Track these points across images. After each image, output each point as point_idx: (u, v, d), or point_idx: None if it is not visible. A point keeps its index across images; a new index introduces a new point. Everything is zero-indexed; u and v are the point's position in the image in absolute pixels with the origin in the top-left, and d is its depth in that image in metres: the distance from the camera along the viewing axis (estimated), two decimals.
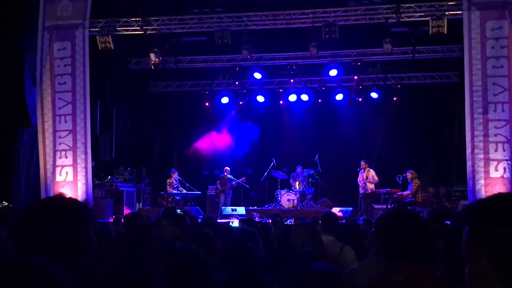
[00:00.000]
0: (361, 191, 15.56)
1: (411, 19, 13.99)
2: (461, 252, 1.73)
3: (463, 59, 12.39)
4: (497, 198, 1.73)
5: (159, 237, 4.65)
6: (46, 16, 13.73)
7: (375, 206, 15.19)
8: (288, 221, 10.01)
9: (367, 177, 15.40)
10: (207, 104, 19.00)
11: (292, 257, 3.79)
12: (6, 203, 12.72)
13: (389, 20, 14.03)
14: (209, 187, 17.32)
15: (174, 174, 16.38)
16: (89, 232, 2.07)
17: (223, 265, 2.96)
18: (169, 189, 16.12)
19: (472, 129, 12.05)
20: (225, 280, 2.82)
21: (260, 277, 2.94)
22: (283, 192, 16.38)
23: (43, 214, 2.02)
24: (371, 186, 15.38)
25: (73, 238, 2.01)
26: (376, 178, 15.42)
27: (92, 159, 14.12)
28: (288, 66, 17.61)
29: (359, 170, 15.67)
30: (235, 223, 11.03)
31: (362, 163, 15.58)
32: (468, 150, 12.09)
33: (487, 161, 11.90)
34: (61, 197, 2.10)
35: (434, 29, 13.43)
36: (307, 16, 14.31)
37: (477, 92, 12.04)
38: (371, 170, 15.52)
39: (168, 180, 16.33)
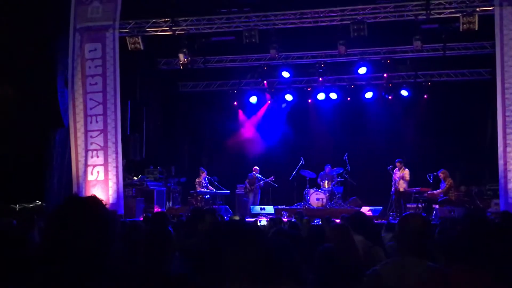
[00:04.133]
0: (393, 188, 15.31)
1: (441, 15, 13.81)
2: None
3: (495, 55, 12.19)
4: None
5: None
6: (77, 17, 13.98)
7: (407, 205, 14.95)
8: (315, 221, 9.91)
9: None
10: (235, 103, 19.06)
11: (317, 254, 3.77)
12: (40, 202, 13.02)
13: (419, 17, 13.87)
14: (238, 186, 17.38)
15: (203, 173, 16.48)
16: (111, 233, 2.11)
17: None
18: (198, 188, 16.24)
19: (504, 127, 11.83)
20: None
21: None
22: (312, 191, 16.32)
23: (67, 216, 2.07)
24: (403, 185, 15.12)
25: (95, 239, 2.05)
26: (407, 177, 15.12)
27: (123, 159, 14.31)
28: (317, 65, 17.53)
29: (390, 169, 15.40)
30: (263, 222, 11.05)
31: (397, 163, 15.32)
32: (500, 148, 11.87)
33: None
34: (82, 199, 2.15)
35: (465, 25, 13.20)
36: (335, 14, 14.23)
37: (509, 89, 11.82)
38: (406, 169, 15.25)
39: (197, 179, 16.45)
